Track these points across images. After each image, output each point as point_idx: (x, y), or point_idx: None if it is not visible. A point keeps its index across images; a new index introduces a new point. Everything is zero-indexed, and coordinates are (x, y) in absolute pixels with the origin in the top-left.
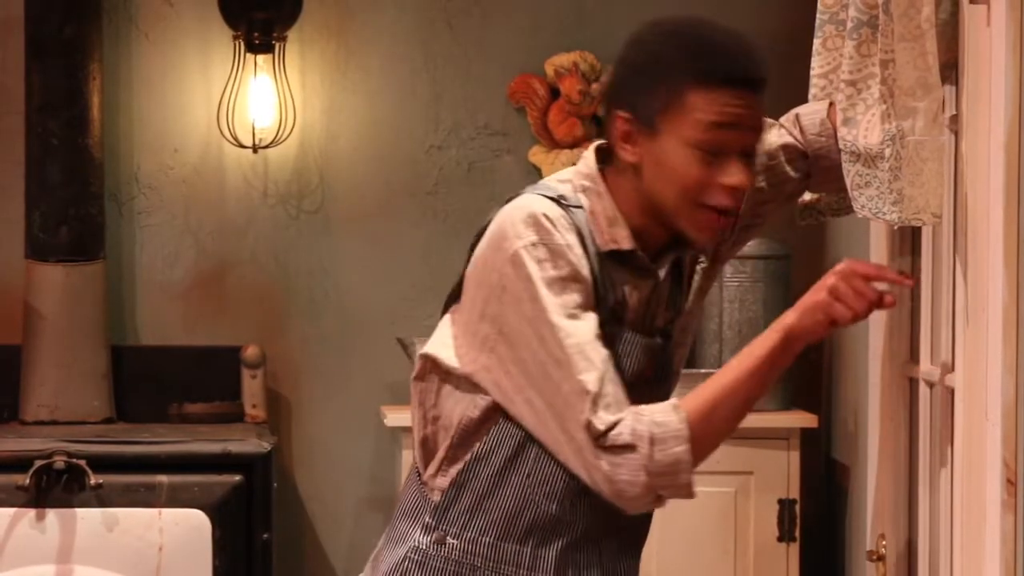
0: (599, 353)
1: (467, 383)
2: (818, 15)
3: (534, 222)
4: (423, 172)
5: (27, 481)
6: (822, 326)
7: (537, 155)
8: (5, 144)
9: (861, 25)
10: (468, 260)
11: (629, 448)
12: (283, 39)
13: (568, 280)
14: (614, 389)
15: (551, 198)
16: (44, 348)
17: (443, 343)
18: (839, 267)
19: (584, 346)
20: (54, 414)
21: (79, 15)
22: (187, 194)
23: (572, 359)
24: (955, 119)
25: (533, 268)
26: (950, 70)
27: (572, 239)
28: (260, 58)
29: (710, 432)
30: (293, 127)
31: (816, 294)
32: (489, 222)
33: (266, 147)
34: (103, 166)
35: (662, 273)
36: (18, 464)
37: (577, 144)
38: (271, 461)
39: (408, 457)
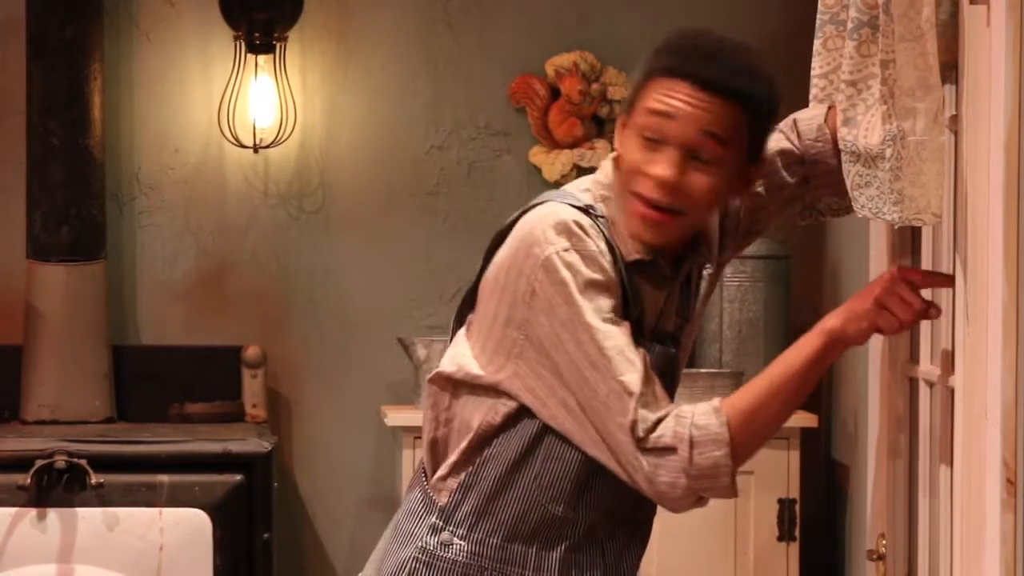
0: (638, 354)
1: (488, 390)
2: (818, 15)
3: (565, 229)
4: (424, 172)
5: (28, 481)
6: (865, 334)
7: (537, 155)
8: (6, 144)
9: (861, 25)
10: (482, 268)
11: (669, 450)
12: (284, 39)
13: (601, 285)
14: (655, 388)
15: (578, 207)
16: (45, 348)
17: (462, 354)
18: (887, 274)
19: (624, 348)
20: (55, 414)
21: (80, 15)
22: (188, 194)
23: (613, 360)
24: (955, 119)
25: (566, 273)
26: (950, 70)
27: (603, 246)
28: (261, 58)
29: (751, 435)
30: (294, 127)
31: (863, 301)
32: (504, 230)
33: (267, 147)
34: (104, 166)
35: (682, 273)
36: (19, 464)
37: (577, 144)
38: (271, 461)
39: (408, 457)
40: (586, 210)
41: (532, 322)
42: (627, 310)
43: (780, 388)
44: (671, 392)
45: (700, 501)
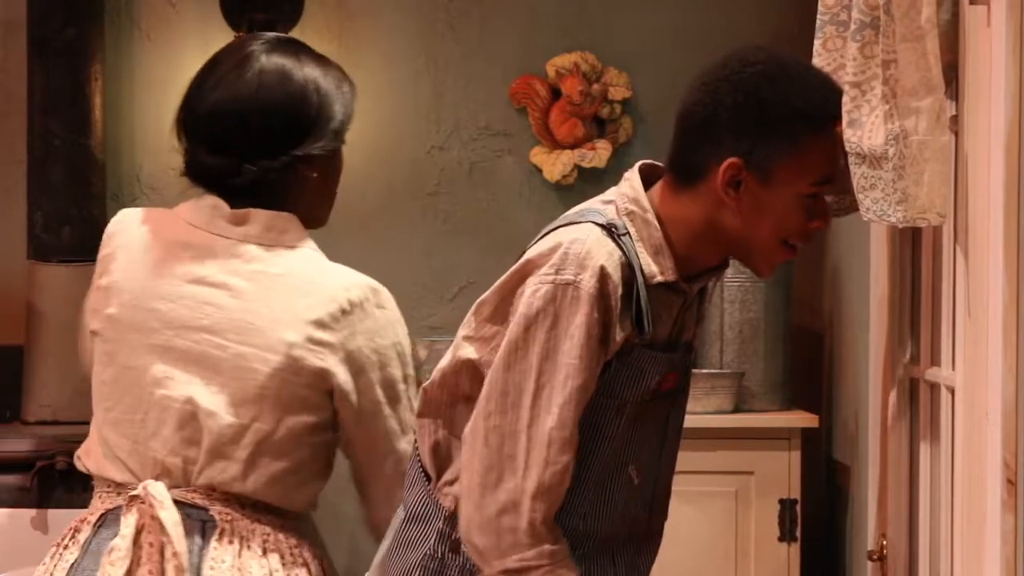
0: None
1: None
2: (818, 16)
3: (600, 276)
4: (424, 173)
5: (29, 481)
6: None
7: (538, 155)
8: (7, 145)
9: (864, 27)
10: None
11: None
12: None
13: (593, 358)
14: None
15: (603, 226)
16: (46, 348)
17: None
18: None
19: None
20: (56, 414)
21: (81, 16)
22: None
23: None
24: (955, 119)
25: (577, 330)
26: (953, 70)
27: (619, 295)
28: None
29: None
30: None
31: None
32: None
33: None
34: (105, 167)
35: (695, 290)
36: (20, 464)
37: (578, 145)
38: None
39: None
40: (610, 230)
41: (519, 339)
42: (641, 328)
43: None
44: (687, 397)
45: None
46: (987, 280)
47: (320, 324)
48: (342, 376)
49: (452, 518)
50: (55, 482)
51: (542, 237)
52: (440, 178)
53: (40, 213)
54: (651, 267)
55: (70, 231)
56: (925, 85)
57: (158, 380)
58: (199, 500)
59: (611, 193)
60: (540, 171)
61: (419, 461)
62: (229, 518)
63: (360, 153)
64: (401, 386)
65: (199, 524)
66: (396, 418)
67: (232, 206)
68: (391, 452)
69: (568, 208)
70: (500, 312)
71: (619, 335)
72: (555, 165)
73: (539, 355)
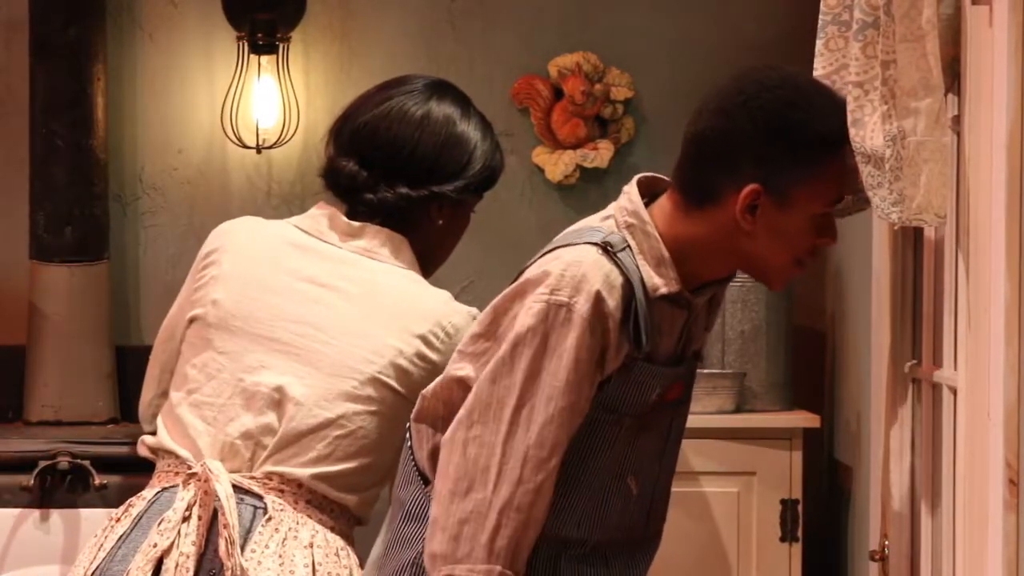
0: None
1: None
2: (820, 16)
3: (595, 300)
4: None
5: (31, 482)
6: None
7: (540, 156)
8: (10, 145)
9: (867, 27)
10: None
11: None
12: (287, 40)
13: (583, 380)
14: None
15: (599, 244)
16: (48, 349)
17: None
18: None
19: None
20: (58, 414)
21: (83, 16)
22: (191, 195)
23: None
24: (957, 120)
25: (566, 353)
26: (956, 64)
27: (617, 317)
28: (264, 59)
29: None
30: (297, 128)
31: None
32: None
33: (270, 148)
34: (107, 167)
35: (700, 303)
36: (22, 465)
37: (580, 145)
38: None
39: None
40: (606, 248)
41: (510, 355)
42: (639, 343)
43: None
44: (688, 408)
45: None
46: (989, 280)
47: (426, 341)
48: None
49: None
50: (57, 482)
51: (539, 257)
52: None
53: (42, 213)
54: (653, 279)
55: (72, 231)
56: (924, 86)
57: (251, 367)
58: (256, 488)
59: (611, 208)
60: (542, 171)
61: (414, 461)
62: (280, 508)
63: None
64: None
65: (251, 509)
66: None
67: (352, 220)
68: None
69: (569, 208)
70: (491, 329)
71: (617, 356)
72: (557, 165)
73: (524, 372)
